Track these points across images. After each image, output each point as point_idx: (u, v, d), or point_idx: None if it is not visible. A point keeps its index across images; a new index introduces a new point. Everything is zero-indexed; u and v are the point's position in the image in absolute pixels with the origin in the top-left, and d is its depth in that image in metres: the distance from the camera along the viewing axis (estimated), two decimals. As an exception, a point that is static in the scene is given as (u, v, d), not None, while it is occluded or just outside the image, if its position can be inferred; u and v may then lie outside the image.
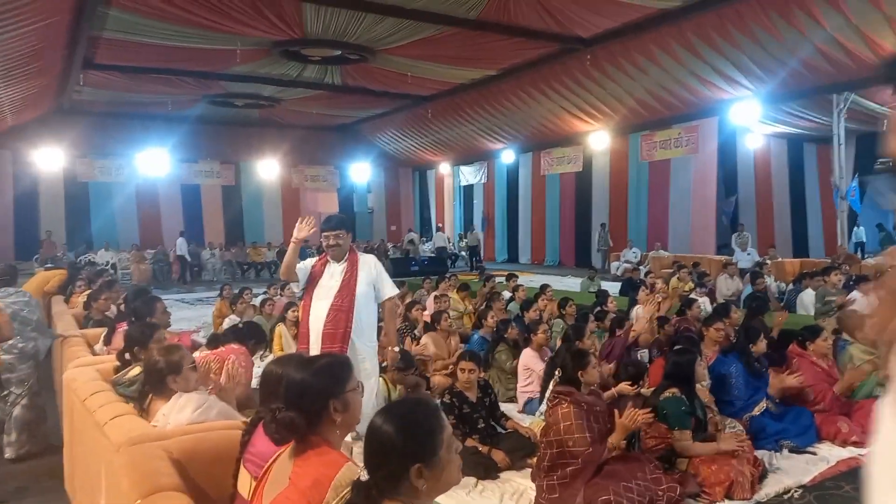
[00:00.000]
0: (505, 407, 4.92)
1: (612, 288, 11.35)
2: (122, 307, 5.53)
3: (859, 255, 15.78)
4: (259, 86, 17.11)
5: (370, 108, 20.80)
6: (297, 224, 4.11)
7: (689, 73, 13.46)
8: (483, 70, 15.97)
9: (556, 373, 4.10)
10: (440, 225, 23.78)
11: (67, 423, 3.60)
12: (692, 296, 7.52)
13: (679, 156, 16.05)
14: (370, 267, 4.21)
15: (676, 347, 4.44)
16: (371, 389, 4.13)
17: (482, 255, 21.59)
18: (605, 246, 17.94)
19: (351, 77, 16.36)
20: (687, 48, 12.64)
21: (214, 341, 4.76)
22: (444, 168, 25.13)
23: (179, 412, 2.59)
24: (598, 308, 6.90)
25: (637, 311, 7.23)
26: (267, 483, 1.82)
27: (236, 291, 8.61)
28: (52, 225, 19.02)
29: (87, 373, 3.45)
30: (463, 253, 22.37)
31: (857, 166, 16.01)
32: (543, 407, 4.44)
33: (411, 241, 22.41)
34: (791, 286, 10.22)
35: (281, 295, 8.91)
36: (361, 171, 24.51)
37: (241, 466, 2.13)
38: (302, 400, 1.83)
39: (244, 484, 2.09)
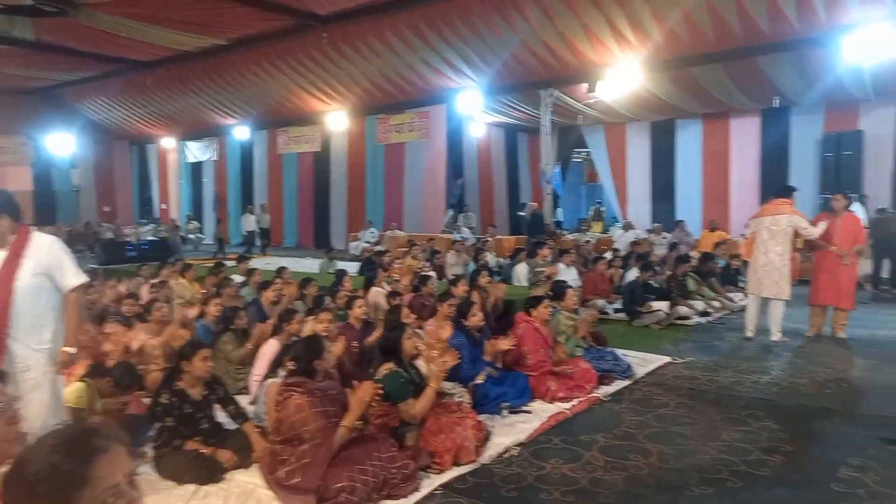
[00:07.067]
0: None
1: (352, 268, 11.44)
2: None
3: (560, 232, 18.18)
4: (-88, 31, 13.68)
5: (75, 72, 18.02)
6: None
7: (420, 60, 14.02)
8: (212, 38, 14.79)
9: (289, 365, 3.86)
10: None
11: None
12: (424, 272, 7.82)
13: (413, 140, 16.72)
14: (43, 252, 3.39)
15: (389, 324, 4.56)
16: (39, 403, 3.35)
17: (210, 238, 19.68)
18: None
19: (47, 32, 13.93)
20: (418, 35, 13.11)
21: None
22: (168, 143, 22.91)
23: None
24: (335, 288, 6.81)
25: (373, 292, 7.32)
26: None
27: None
28: None
29: None
30: (193, 236, 20.45)
31: (559, 154, 18.33)
32: (261, 404, 4.22)
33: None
34: (508, 261, 11.31)
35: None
36: (63, 144, 21.05)
37: None
38: None
39: None
